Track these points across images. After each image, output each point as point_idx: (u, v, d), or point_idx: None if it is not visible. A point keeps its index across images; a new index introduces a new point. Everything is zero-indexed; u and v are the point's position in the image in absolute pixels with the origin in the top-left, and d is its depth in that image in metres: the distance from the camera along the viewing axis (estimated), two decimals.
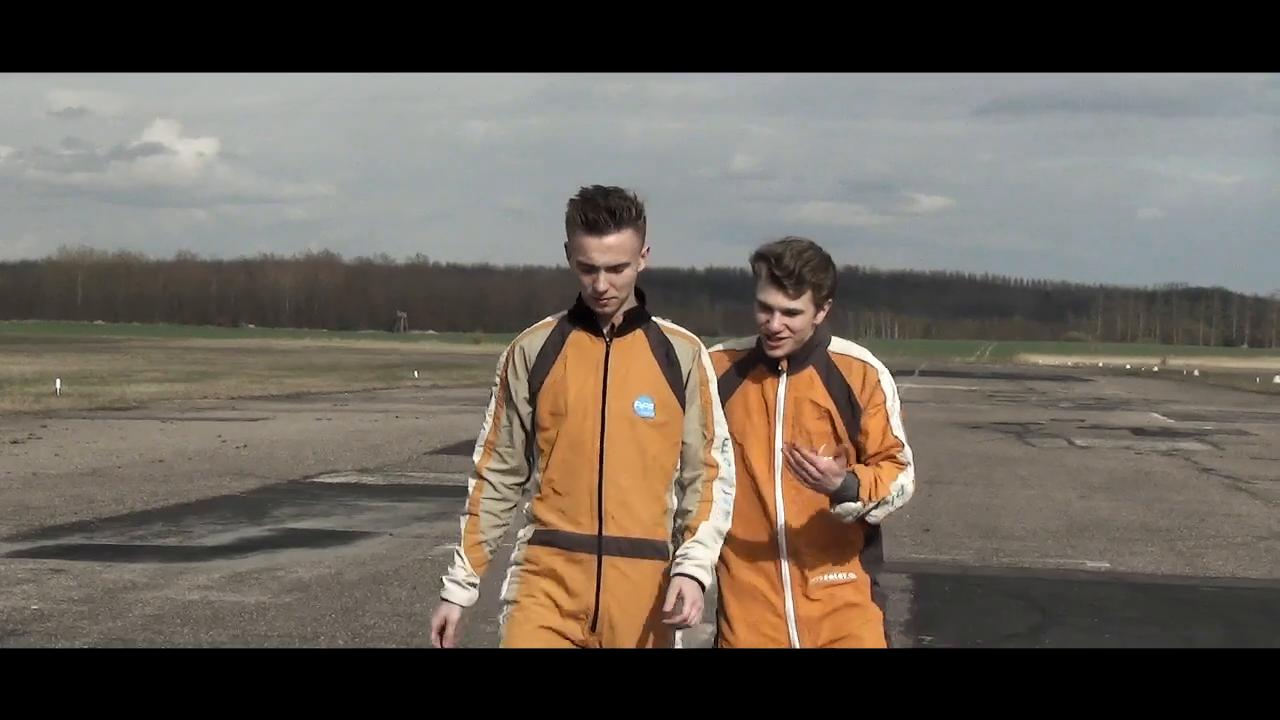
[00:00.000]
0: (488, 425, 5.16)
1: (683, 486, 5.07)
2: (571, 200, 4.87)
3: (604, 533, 4.87)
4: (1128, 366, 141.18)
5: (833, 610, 5.09)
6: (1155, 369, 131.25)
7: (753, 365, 5.15)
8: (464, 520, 5.13)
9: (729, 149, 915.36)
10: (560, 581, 4.91)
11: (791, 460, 4.82)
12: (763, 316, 4.98)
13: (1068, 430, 37.27)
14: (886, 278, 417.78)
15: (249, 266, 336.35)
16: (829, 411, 5.06)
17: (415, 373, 66.02)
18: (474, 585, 5.09)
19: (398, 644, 10.24)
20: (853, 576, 5.14)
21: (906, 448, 5.17)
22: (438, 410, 38.79)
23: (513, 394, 5.06)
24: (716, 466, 5.03)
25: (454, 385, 55.88)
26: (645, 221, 4.92)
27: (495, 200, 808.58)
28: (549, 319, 5.18)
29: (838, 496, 4.88)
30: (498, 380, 5.14)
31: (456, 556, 5.09)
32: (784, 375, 5.09)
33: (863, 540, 5.17)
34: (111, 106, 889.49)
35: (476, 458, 5.19)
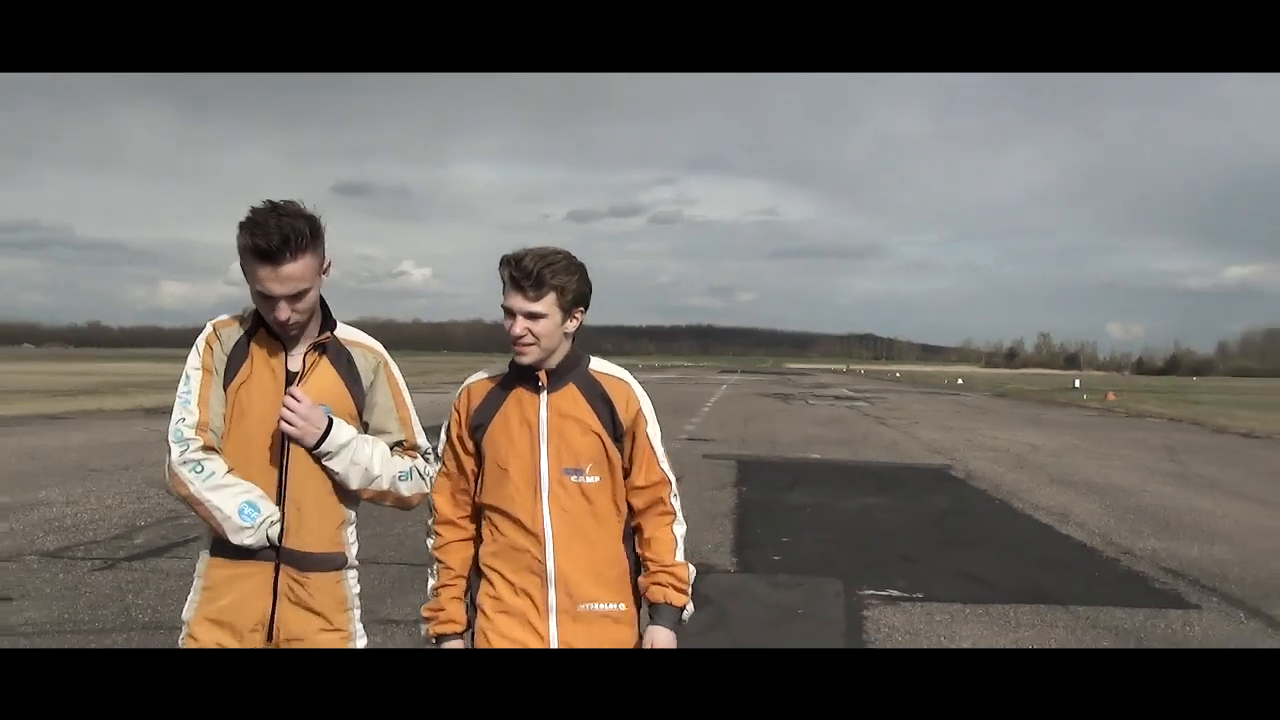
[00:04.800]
0: (193, 392, 2.30)
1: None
2: (242, 224, 2.19)
3: (284, 544, 2.28)
4: (831, 369, 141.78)
5: (596, 637, 2.37)
6: (844, 370, 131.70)
7: (511, 385, 2.43)
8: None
9: (657, 272, 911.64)
10: (234, 597, 2.29)
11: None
12: (507, 322, 2.36)
13: (806, 397, 36.90)
14: (724, 331, 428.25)
15: (443, 325, 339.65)
16: (595, 431, 2.39)
17: None
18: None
19: None
20: (621, 606, 2.40)
21: (672, 481, 2.45)
22: None
23: (216, 374, 2.32)
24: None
25: None
26: (322, 238, 2.26)
27: None
28: (236, 315, 2.39)
29: (674, 626, 2.39)
30: (200, 361, 2.33)
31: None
32: (544, 393, 2.39)
33: (628, 565, 2.44)
34: (385, 252, 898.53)
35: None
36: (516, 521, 2.36)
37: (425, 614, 2.45)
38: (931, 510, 9.82)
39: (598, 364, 2.48)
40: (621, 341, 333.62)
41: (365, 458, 2.32)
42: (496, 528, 2.40)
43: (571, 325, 2.40)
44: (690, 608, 2.43)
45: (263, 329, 2.34)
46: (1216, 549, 8.14)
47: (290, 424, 2.24)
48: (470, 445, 2.44)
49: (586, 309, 2.44)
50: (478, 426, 2.43)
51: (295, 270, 2.20)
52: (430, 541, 2.47)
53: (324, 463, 2.30)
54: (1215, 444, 19.07)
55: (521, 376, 2.42)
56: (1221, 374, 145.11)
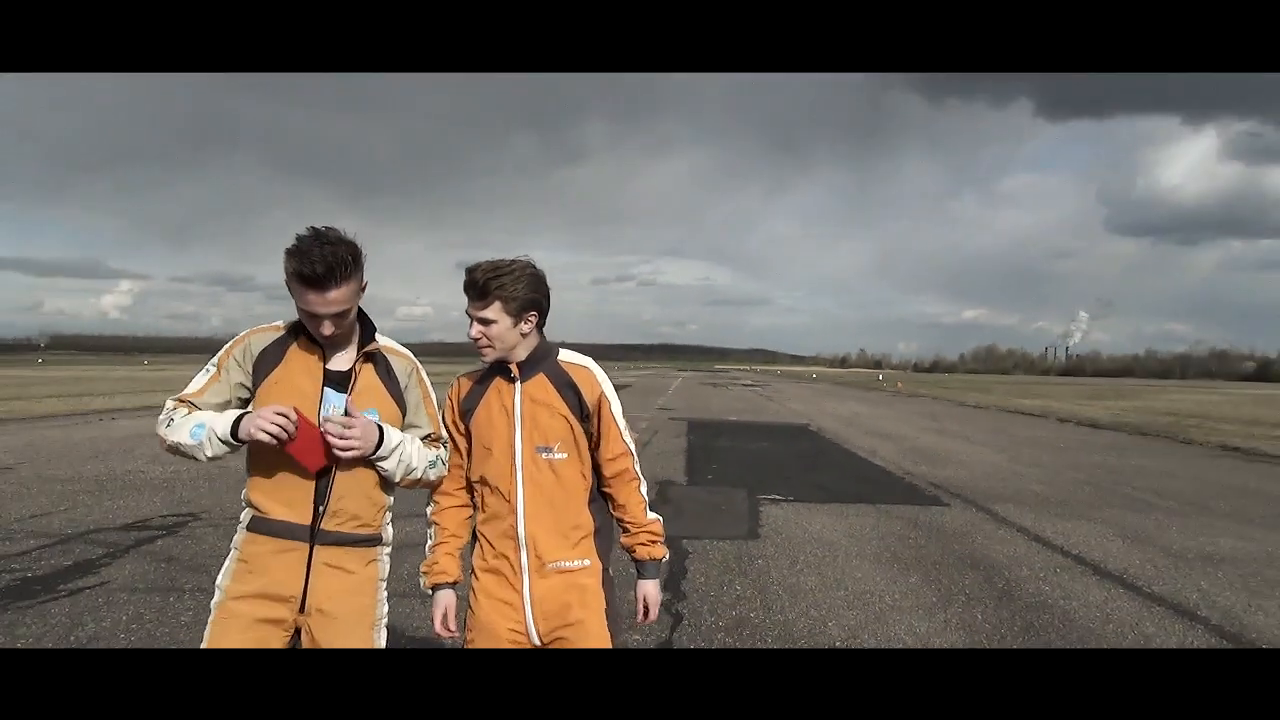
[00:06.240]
0: (198, 383, 1.47)
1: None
2: (288, 251, 1.37)
3: (320, 525, 1.49)
4: (741, 369, 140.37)
5: (564, 590, 1.57)
6: (750, 369, 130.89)
7: (491, 379, 1.62)
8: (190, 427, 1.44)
9: (641, 314, 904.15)
10: (270, 573, 1.47)
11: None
12: (468, 326, 1.55)
13: (729, 385, 36.24)
14: (680, 347, 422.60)
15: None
16: (563, 414, 1.58)
17: None
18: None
19: None
20: (586, 563, 1.59)
21: (634, 454, 1.64)
22: None
23: (227, 374, 1.49)
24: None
25: None
26: (362, 263, 1.43)
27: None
28: (280, 323, 1.54)
29: (658, 575, 1.66)
30: (216, 361, 1.49)
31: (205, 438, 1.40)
32: (518, 383, 1.59)
33: (593, 527, 1.62)
34: None
35: (170, 402, 1.47)
36: (497, 491, 1.64)
37: (423, 569, 1.68)
38: (798, 450, 9.74)
39: (566, 354, 1.67)
40: (617, 355, 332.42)
41: (409, 455, 1.59)
42: (483, 499, 1.68)
43: (526, 327, 1.60)
44: (667, 554, 1.71)
45: (302, 338, 1.55)
46: (959, 472, 8.10)
47: (351, 449, 1.49)
48: (462, 427, 1.69)
49: (541, 313, 1.62)
50: (466, 412, 1.68)
51: (339, 295, 1.45)
52: (429, 508, 1.72)
53: (378, 465, 1.56)
54: (957, 412, 19.06)
55: (499, 370, 1.66)
56: (961, 373, 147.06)
